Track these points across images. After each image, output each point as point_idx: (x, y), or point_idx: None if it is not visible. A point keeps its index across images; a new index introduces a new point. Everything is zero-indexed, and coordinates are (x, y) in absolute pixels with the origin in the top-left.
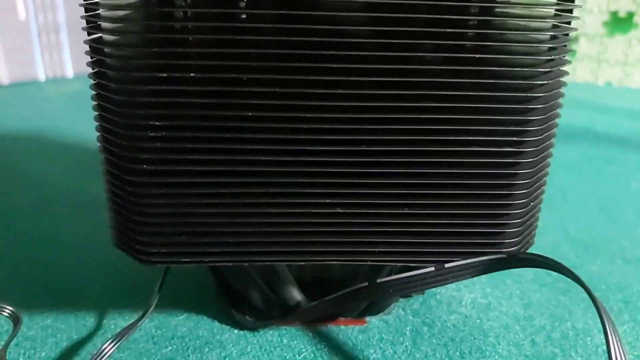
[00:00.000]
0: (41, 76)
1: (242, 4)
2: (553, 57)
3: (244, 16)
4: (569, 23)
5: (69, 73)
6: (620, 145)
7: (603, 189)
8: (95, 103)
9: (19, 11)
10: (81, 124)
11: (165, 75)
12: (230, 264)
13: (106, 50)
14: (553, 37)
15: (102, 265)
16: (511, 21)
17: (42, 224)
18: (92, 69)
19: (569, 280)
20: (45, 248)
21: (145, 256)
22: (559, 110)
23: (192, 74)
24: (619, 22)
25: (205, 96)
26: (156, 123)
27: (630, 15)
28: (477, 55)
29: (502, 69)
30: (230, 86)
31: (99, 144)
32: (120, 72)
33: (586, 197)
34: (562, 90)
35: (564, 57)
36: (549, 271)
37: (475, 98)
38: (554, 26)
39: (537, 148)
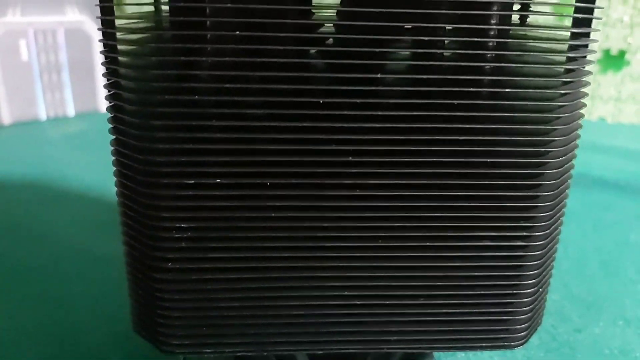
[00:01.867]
0: (42, 115)
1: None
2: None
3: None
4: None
5: (71, 112)
6: (617, 189)
7: (603, 241)
8: (121, 209)
9: (22, 52)
10: (85, 170)
11: (192, 181)
12: (251, 352)
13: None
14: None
15: (117, 334)
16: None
17: (52, 286)
18: (118, 177)
19: (574, 344)
20: (56, 312)
21: (168, 346)
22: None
23: (217, 180)
24: (611, 60)
25: (229, 200)
26: (182, 225)
27: (622, 53)
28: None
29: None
30: (253, 190)
31: (123, 238)
32: (145, 177)
33: (586, 250)
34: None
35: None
36: (554, 335)
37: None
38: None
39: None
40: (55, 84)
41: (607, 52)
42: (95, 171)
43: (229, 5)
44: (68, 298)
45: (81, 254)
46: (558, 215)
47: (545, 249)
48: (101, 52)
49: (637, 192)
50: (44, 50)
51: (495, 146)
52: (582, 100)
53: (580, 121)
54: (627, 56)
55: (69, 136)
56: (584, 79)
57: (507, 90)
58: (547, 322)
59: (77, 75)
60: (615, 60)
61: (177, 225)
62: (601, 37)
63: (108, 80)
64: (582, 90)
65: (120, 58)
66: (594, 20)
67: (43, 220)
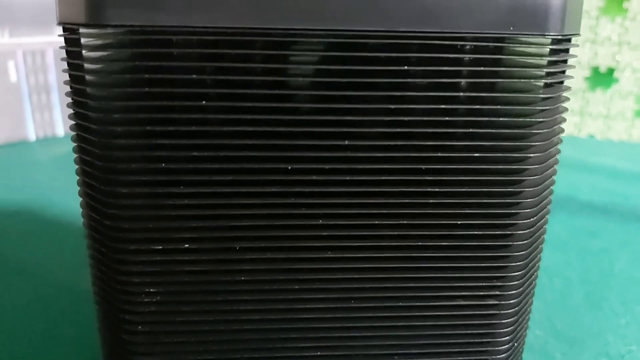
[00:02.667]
0: (32, 136)
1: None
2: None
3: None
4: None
5: (60, 132)
6: (604, 213)
7: (588, 271)
8: (91, 265)
9: (10, 74)
10: (72, 196)
11: (159, 247)
12: None
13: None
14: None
15: None
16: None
17: (34, 325)
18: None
19: None
20: (38, 352)
21: None
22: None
23: (186, 245)
24: (600, 77)
25: (198, 264)
26: (151, 289)
27: (611, 70)
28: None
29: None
30: (223, 255)
31: (94, 295)
32: (113, 242)
33: (571, 280)
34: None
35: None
36: None
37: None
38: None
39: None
40: (45, 105)
41: (595, 70)
42: None
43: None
44: (50, 337)
45: (65, 290)
46: (532, 265)
47: (519, 306)
48: (69, 117)
49: (624, 216)
50: (32, 71)
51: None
52: (562, 117)
53: (556, 159)
54: (616, 74)
55: (58, 158)
56: (561, 105)
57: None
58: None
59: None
60: (604, 77)
61: (146, 290)
62: (590, 55)
63: (76, 142)
64: (560, 116)
65: (85, 123)
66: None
67: (27, 252)
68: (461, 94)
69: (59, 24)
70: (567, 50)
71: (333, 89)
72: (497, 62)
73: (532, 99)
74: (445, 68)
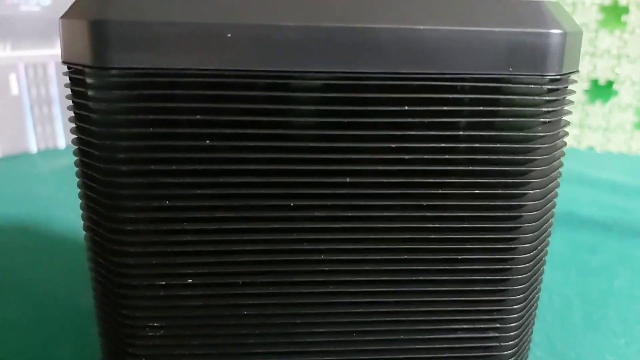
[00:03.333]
0: (33, 148)
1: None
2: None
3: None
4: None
5: (61, 144)
6: (604, 229)
7: (587, 289)
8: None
9: (12, 86)
10: (73, 211)
11: (163, 282)
12: None
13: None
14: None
15: None
16: None
17: (35, 343)
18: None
19: None
20: None
21: None
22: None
23: (189, 280)
24: (599, 90)
25: (202, 299)
26: (154, 324)
27: (610, 83)
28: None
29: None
30: (227, 290)
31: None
32: (117, 278)
33: (571, 298)
34: None
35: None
36: None
37: None
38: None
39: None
40: (46, 117)
41: (595, 82)
42: None
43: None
44: (49, 355)
45: (66, 308)
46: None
47: (519, 337)
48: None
49: (623, 231)
50: (34, 83)
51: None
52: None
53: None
54: (615, 86)
55: (58, 170)
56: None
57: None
58: None
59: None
60: (603, 90)
61: (150, 324)
62: (589, 68)
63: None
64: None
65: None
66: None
67: (27, 268)
68: (460, 132)
69: (64, 62)
70: (565, 88)
71: (334, 128)
72: (496, 102)
73: (531, 137)
74: (444, 108)
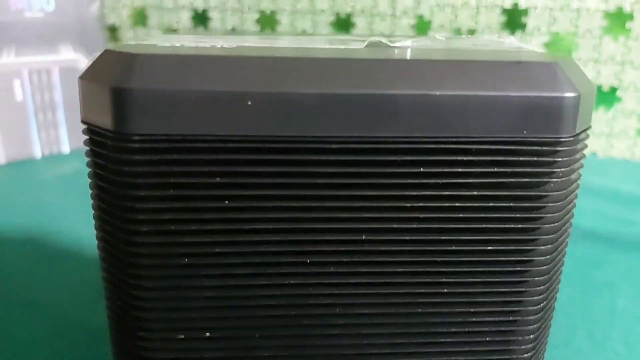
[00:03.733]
0: (37, 154)
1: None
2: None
3: None
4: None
5: (65, 149)
6: (608, 243)
7: (591, 307)
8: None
9: (16, 92)
10: (81, 222)
11: (182, 336)
12: None
13: None
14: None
15: None
16: None
17: None
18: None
19: None
20: None
21: None
22: None
23: (207, 334)
24: (603, 96)
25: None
26: None
27: (614, 89)
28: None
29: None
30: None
31: None
32: (135, 331)
33: (575, 318)
34: None
35: None
36: None
37: None
38: None
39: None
40: (50, 123)
41: (598, 89)
42: (92, 223)
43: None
44: None
45: (76, 326)
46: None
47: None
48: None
49: (628, 245)
50: (38, 89)
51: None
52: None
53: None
54: (619, 93)
55: (64, 177)
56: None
57: None
58: None
59: (72, 113)
60: (606, 96)
61: None
62: (593, 74)
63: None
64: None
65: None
66: None
67: (35, 284)
68: (474, 192)
69: (83, 122)
70: (579, 145)
71: (351, 189)
72: (509, 164)
73: (543, 195)
74: (458, 170)
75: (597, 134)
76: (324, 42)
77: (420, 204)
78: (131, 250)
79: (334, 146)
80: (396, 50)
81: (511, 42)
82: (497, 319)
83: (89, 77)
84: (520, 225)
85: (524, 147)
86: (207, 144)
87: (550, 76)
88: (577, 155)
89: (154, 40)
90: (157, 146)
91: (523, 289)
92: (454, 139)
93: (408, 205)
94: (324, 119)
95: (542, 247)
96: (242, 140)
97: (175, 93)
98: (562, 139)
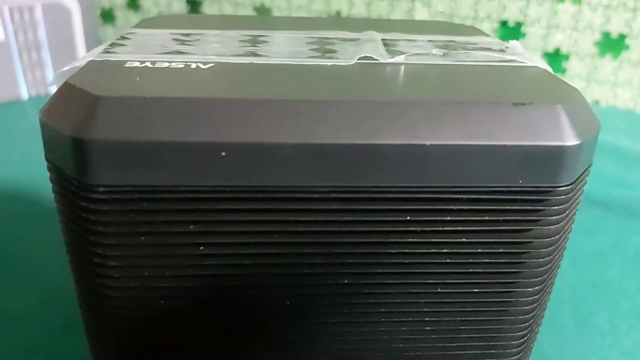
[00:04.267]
0: (24, 95)
1: None
2: None
3: None
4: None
5: (53, 89)
6: (602, 208)
7: (578, 281)
8: None
9: None
10: None
11: None
12: None
13: None
14: None
15: None
16: None
17: (39, 337)
18: None
19: None
20: None
21: None
22: None
23: None
24: (611, 43)
25: None
26: None
27: (622, 37)
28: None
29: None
30: None
31: None
32: None
33: (562, 292)
34: None
35: None
36: None
37: None
38: None
39: None
40: (36, 63)
41: (607, 35)
42: None
43: None
44: (57, 352)
45: (72, 295)
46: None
47: None
48: None
49: (622, 211)
50: (21, 28)
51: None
52: None
53: None
54: (627, 40)
55: None
56: None
57: None
58: None
59: (58, 52)
60: (614, 43)
61: None
62: (602, 20)
63: None
64: None
65: None
66: None
67: (27, 247)
68: (463, 239)
69: (46, 159)
70: (577, 190)
71: (332, 236)
72: (503, 212)
73: (540, 235)
74: (447, 218)
75: (602, 81)
76: (313, 48)
77: (406, 251)
78: (103, 292)
79: (315, 196)
80: (387, 68)
81: (514, 48)
82: (480, 351)
83: (49, 117)
84: (506, 270)
85: (518, 197)
86: (179, 195)
87: (551, 123)
88: (575, 198)
89: (124, 51)
90: (125, 197)
91: (507, 326)
92: (444, 189)
93: (392, 252)
94: (305, 169)
95: (529, 289)
96: (216, 191)
97: (142, 144)
98: (560, 188)
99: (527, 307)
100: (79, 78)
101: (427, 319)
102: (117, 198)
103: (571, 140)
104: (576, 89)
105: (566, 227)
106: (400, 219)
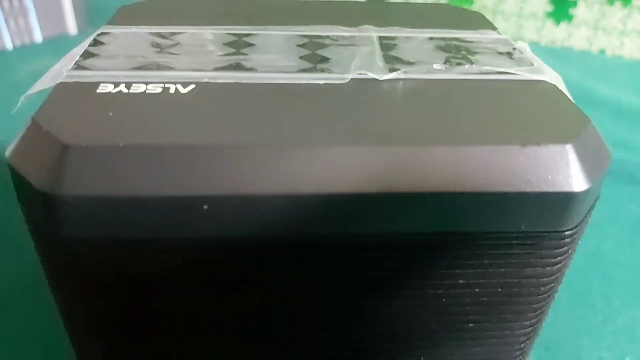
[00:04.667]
0: (9, 44)
1: None
2: None
3: None
4: None
5: (38, 37)
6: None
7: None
8: None
9: None
10: None
11: None
12: None
13: None
14: None
15: None
16: None
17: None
18: None
19: None
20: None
21: None
22: None
23: None
24: None
25: None
26: None
27: None
28: None
29: None
30: None
31: None
32: None
33: None
34: None
35: None
36: None
37: None
38: None
39: None
40: (18, 10)
41: None
42: None
43: None
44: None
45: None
46: None
47: None
48: None
49: (621, 176)
50: None
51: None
52: None
53: None
54: None
55: (38, 76)
56: None
57: None
58: None
59: None
60: None
61: None
62: None
63: None
64: None
65: None
66: None
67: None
68: (460, 280)
69: (18, 199)
70: (581, 229)
71: (328, 285)
72: (501, 256)
73: (532, 283)
74: (443, 263)
75: (609, 30)
76: (304, 55)
77: (407, 301)
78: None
79: (316, 244)
80: (384, 90)
81: (522, 51)
82: None
83: (17, 161)
84: (503, 308)
85: (519, 242)
86: (156, 246)
87: (560, 166)
88: (580, 235)
89: (97, 66)
90: (99, 248)
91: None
92: (439, 236)
93: (385, 296)
94: (286, 219)
95: (525, 322)
96: (198, 243)
97: (115, 200)
98: (565, 232)
99: (521, 338)
100: (47, 115)
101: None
102: (89, 249)
103: (580, 186)
104: (586, 118)
105: (568, 261)
106: (398, 265)
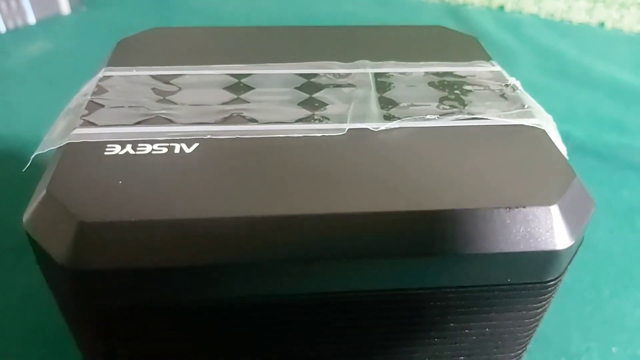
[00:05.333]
0: (2, 28)
1: None
2: None
3: None
4: None
5: (31, 19)
6: (598, 158)
7: None
8: None
9: None
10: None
11: None
12: None
13: None
14: None
15: None
16: None
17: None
18: None
19: None
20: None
21: None
22: None
23: None
24: None
25: None
26: None
27: None
28: None
29: None
30: None
31: None
32: None
33: None
34: None
35: None
36: None
37: None
38: None
39: None
40: None
41: None
42: None
43: None
44: None
45: None
46: None
47: None
48: None
49: (617, 161)
50: None
51: None
52: None
53: None
54: None
55: (35, 60)
56: None
57: None
58: None
59: None
60: None
61: None
62: None
63: None
64: None
65: None
66: None
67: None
68: (449, 332)
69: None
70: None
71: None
72: (492, 305)
73: (521, 323)
74: (433, 315)
75: (609, 2)
76: (302, 101)
77: (402, 337)
78: None
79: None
80: (379, 144)
81: (514, 88)
82: None
83: (34, 231)
84: (491, 344)
85: (505, 293)
86: (174, 311)
87: (544, 226)
88: (561, 281)
89: (103, 120)
90: (116, 311)
91: None
92: (427, 291)
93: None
94: (281, 279)
95: (510, 354)
96: (213, 305)
97: (134, 271)
98: (548, 282)
99: None
100: (60, 186)
101: None
102: (114, 316)
103: (564, 243)
104: (572, 171)
105: (551, 302)
106: (384, 317)
